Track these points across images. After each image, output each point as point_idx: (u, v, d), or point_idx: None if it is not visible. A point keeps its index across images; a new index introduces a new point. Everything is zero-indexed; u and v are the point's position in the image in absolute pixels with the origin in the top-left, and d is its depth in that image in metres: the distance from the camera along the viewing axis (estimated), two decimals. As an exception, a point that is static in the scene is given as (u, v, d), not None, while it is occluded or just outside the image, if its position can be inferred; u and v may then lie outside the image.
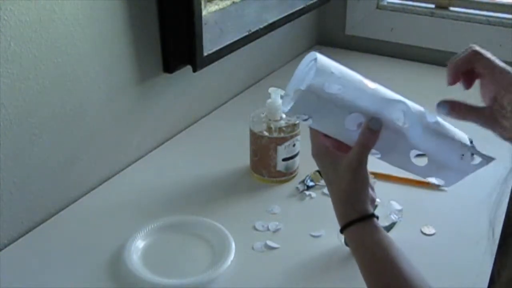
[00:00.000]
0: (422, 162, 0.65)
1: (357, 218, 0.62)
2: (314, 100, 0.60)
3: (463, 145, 0.62)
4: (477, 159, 0.63)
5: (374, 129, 0.60)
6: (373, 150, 0.63)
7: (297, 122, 0.95)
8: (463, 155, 0.62)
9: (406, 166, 0.65)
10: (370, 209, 0.63)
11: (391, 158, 0.65)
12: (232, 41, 1.13)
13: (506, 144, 0.61)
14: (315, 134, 0.65)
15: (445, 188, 0.95)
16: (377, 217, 0.63)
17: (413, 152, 0.64)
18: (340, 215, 0.64)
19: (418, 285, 0.58)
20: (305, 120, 0.62)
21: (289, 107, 0.61)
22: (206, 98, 1.22)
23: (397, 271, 0.59)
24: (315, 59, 0.61)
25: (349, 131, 0.62)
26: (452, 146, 0.63)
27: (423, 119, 0.63)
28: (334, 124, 0.62)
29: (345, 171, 0.62)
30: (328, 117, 0.61)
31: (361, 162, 0.62)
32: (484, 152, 0.63)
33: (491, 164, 0.65)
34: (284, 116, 0.95)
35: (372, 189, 0.65)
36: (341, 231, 0.64)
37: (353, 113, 0.61)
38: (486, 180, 0.68)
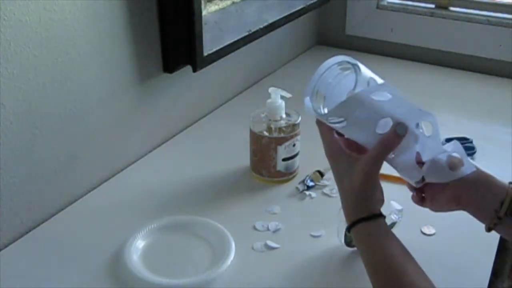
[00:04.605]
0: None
1: (364, 217, 0.63)
2: (356, 105, 0.61)
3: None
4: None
5: (400, 134, 0.61)
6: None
7: (298, 122, 0.95)
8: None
9: (408, 169, 0.66)
10: (378, 209, 0.64)
11: (399, 160, 0.65)
12: (232, 41, 1.13)
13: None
14: (326, 133, 0.65)
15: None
16: (385, 217, 0.64)
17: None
18: (348, 213, 0.65)
19: (423, 285, 0.58)
20: (338, 122, 0.63)
21: (325, 110, 0.63)
22: (206, 98, 1.22)
23: (403, 270, 0.59)
24: (355, 64, 0.63)
25: (376, 134, 0.63)
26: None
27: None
28: (365, 128, 0.63)
29: (360, 171, 0.62)
30: (362, 122, 0.63)
31: (378, 163, 0.63)
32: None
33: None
34: (284, 116, 0.95)
35: (381, 191, 0.66)
36: (348, 229, 0.64)
37: (384, 118, 0.62)
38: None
